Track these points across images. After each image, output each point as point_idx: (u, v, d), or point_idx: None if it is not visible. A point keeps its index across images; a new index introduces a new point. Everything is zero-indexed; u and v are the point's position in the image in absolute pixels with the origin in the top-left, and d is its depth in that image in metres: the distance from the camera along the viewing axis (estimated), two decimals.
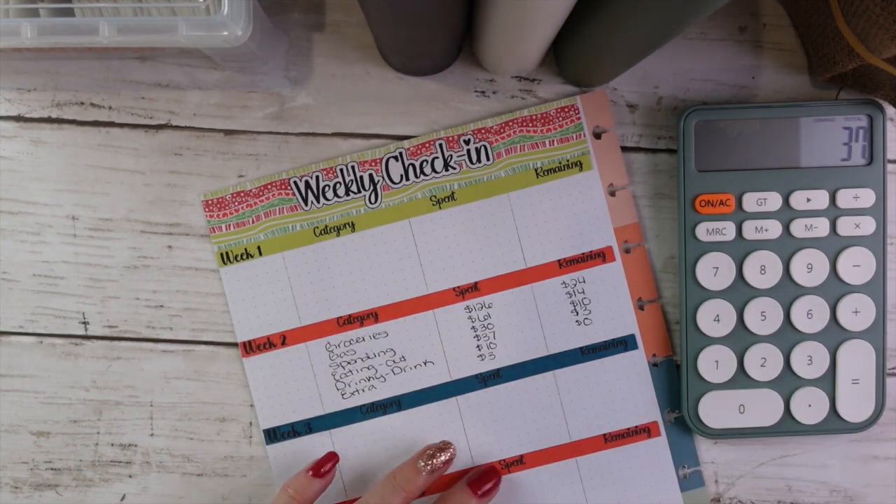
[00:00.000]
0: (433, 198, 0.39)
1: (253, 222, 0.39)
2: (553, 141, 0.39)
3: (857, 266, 0.38)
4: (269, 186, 0.39)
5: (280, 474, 0.40)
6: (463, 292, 0.40)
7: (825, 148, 0.38)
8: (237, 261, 0.39)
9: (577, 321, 0.40)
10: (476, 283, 0.40)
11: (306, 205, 0.39)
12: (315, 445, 0.40)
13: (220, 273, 0.40)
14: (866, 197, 0.38)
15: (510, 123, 0.39)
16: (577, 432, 0.40)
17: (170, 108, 0.40)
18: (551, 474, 0.40)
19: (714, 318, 0.39)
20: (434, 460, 0.38)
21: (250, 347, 0.40)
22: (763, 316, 0.39)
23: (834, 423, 0.39)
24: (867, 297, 0.39)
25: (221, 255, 0.40)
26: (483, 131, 0.39)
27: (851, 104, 0.38)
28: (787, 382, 0.39)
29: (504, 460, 0.40)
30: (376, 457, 0.40)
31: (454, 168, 0.39)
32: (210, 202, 0.39)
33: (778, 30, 0.40)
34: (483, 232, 0.39)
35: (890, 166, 0.39)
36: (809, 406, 0.39)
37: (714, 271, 0.39)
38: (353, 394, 0.40)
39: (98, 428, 0.40)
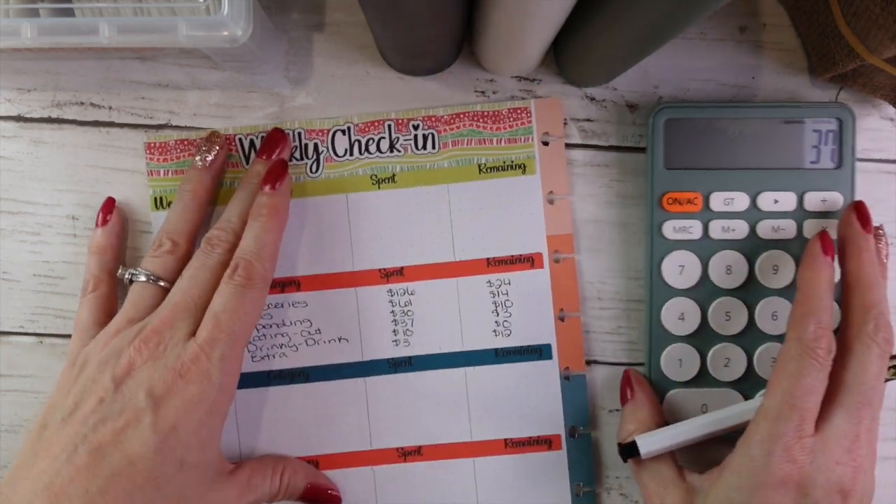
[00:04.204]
0: (374, 177, 0.39)
1: None
2: (501, 140, 0.39)
3: None
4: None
5: None
6: (388, 275, 0.39)
7: (794, 150, 0.38)
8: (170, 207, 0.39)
9: (496, 321, 0.39)
10: (402, 267, 0.39)
11: (247, 163, 0.39)
12: None
13: (150, 217, 0.39)
14: (834, 200, 0.38)
15: (461, 116, 0.39)
16: (480, 433, 0.39)
17: (170, 108, 0.40)
18: (447, 470, 0.39)
19: (679, 316, 0.39)
20: (209, 154, 0.37)
21: None
22: (728, 316, 0.39)
23: None
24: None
25: (155, 199, 0.39)
26: (433, 119, 0.39)
27: (821, 107, 0.38)
28: (751, 383, 0.39)
29: (402, 448, 0.39)
30: (275, 424, 0.39)
31: (399, 151, 0.39)
32: (152, 145, 0.39)
33: (778, 30, 0.40)
34: (417, 218, 0.39)
35: (871, 164, 0.39)
36: None
37: (680, 269, 0.38)
38: (262, 358, 0.39)
39: None
